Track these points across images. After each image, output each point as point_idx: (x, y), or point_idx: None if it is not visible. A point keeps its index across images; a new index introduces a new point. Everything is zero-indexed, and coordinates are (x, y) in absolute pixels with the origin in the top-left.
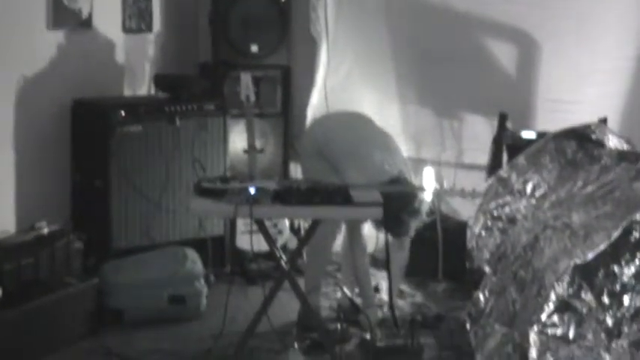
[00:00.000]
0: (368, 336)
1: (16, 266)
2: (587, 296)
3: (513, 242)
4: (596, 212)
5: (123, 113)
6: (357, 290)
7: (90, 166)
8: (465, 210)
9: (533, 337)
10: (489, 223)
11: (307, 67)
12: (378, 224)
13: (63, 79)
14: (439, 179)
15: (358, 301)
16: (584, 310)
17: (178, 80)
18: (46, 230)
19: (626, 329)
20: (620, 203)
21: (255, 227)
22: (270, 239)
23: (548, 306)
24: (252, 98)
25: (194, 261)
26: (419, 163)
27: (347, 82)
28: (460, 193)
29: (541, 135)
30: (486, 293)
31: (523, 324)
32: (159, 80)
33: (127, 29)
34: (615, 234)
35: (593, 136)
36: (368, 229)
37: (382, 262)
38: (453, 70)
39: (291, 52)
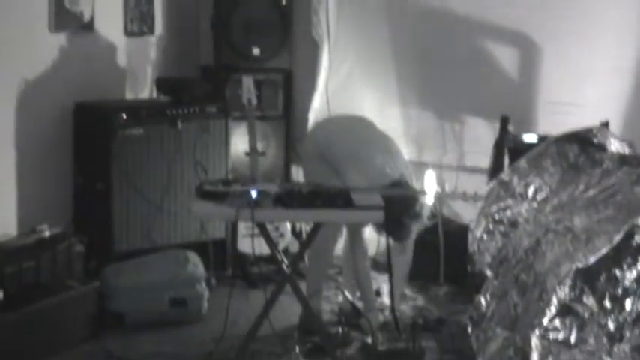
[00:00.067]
0: (369, 339)
1: (18, 269)
2: (589, 300)
3: (515, 246)
4: (598, 216)
5: (125, 116)
6: (358, 294)
7: (92, 169)
8: (466, 213)
9: (534, 341)
10: (491, 226)
11: (309, 71)
12: (380, 228)
13: (65, 82)
14: (441, 182)
15: (360, 304)
16: (586, 314)
17: (180, 83)
18: (47, 233)
19: (627, 333)
20: (621, 207)
21: (256, 230)
22: (271, 242)
23: (549, 310)
24: (254, 101)
25: (195, 264)
26: (420, 166)
27: (348, 82)
28: (462, 197)
29: (542, 138)
30: (488, 297)
31: (524, 328)
32: (161, 83)
33: (128, 32)
34: (617, 238)
35: (595, 140)
36: (369, 233)
37: (384, 265)
38: (454, 73)
39: (292, 56)
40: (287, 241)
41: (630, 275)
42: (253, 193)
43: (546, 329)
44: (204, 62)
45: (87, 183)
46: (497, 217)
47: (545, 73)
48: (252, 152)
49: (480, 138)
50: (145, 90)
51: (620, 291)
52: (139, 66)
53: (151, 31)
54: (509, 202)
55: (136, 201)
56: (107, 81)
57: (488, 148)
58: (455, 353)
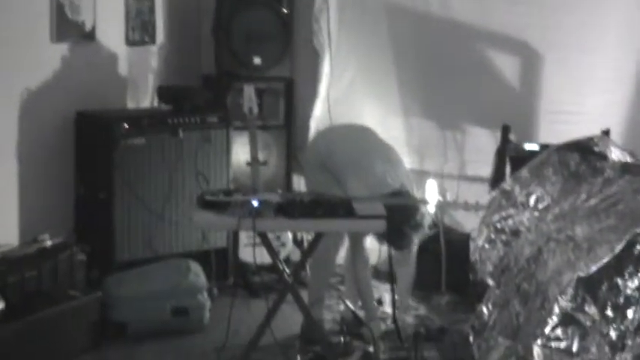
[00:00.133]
0: (371, 349)
1: (20, 279)
2: (591, 309)
3: (517, 255)
4: (600, 225)
5: (126, 125)
6: (360, 303)
7: (93, 179)
8: (468, 222)
9: (536, 350)
10: (492, 235)
11: (310, 79)
12: (380, 237)
13: (66, 91)
14: (442, 191)
15: (361, 313)
16: (588, 324)
17: (181, 92)
18: (49, 243)
19: (629, 342)
20: (623, 216)
21: (258, 239)
22: (273, 252)
23: (551, 319)
24: (255, 110)
25: (197, 273)
26: (422, 175)
27: (350, 91)
28: (463, 206)
29: (544, 147)
30: (490, 306)
31: (526, 337)
32: (162, 92)
33: (130, 41)
34: (619, 247)
35: (596, 149)
36: (370, 242)
37: (385, 274)
38: (456, 82)
39: (294, 64)
40: (288, 250)
41: (632, 284)
42: (255, 203)
43: (548, 338)
44: (206, 71)
45: (88, 192)
46: (498, 226)
47: (546, 82)
48: (254, 161)
49: (481, 147)
50: (146, 99)
51: (622, 300)
52: (140, 75)
53: (153, 40)
54: (511, 211)
55: (138, 210)
56: (109, 90)
57: (490, 157)
58: None
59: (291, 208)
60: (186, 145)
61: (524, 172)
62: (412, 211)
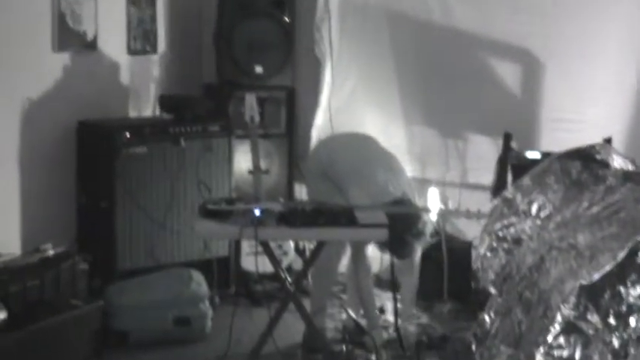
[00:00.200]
0: (373, 357)
1: (22, 288)
2: (594, 317)
3: (519, 263)
4: (602, 233)
5: (128, 135)
6: (362, 311)
7: (95, 188)
8: (470, 230)
9: (539, 358)
10: (494, 243)
11: (312, 88)
12: (382, 246)
13: (68, 100)
14: (444, 199)
15: (363, 322)
16: (591, 332)
17: (183, 101)
18: (51, 252)
19: (632, 350)
20: (625, 224)
21: (260, 248)
22: (275, 261)
23: (554, 327)
24: (257, 119)
25: (199, 282)
26: (424, 183)
27: (351, 100)
28: (465, 214)
29: (546, 155)
30: (492, 314)
31: (529, 345)
32: (164, 101)
33: (131, 51)
34: (621, 255)
35: (598, 157)
36: (372, 250)
37: (387, 282)
38: (457, 90)
39: (295, 73)
40: (290, 258)
41: (634, 292)
42: (257, 212)
43: (551, 347)
44: (207, 80)
45: (90, 201)
46: (500, 234)
47: (548, 90)
48: (256, 170)
49: (483, 155)
50: (148, 108)
51: (624, 308)
52: (142, 84)
53: (154, 49)
54: (513, 219)
55: (140, 219)
56: (110, 99)
57: (492, 165)
58: None
59: (293, 217)
60: (188, 153)
61: (526, 180)
62: (414, 219)
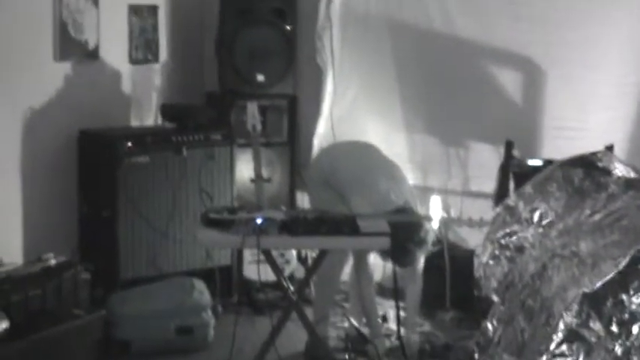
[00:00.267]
0: None
1: (24, 298)
2: (596, 325)
3: (521, 271)
4: (604, 241)
5: (130, 144)
6: (364, 320)
7: (97, 197)
8: (472, 238)
9: None
10: (497, 251)
11: (313, 96)
12: (384, 254)
13: (70, 110)
14: (446, 207)
15: (366, 330)
16: (593, 340)
17: (185, 110)
18: (53, 261)
19: (635, 358)
20: (627, 231)
21: (262, 257)
22: (277, 269)
23: (556, 335)
24: (259, 127)
25: (201, 291)
26: (425, 192)
27: (353, 108)
28: (467, 222)
29: (547, 163)
30: (494, 322)
31: (532, 353)
32: (165, 110)
33: (133, 60)
34: (623, 262)
35: (600, 164)
36: (374, 258)
37: (390, 291)
38: (459, 98)
39: (297, 81)
40: (293, 267)
41: (637, 300)
42: (259, 221)
43: (553, 355)
44: (209, 89)
45: (92, 211)
46: (503, 242)
47: (549, 98)
48: (258, 179)
49: (484, 163)
50: (149, 117)
51: (627, 316)
52: (143, 93)
53: (156, 58)
54: (515, 227)
55: (142, 228)
56: (112, 108)
57: (493, 173)
58: None
59: (295, 226)
60: (189, 162)
61: (528, 188)
62: (416, 227)
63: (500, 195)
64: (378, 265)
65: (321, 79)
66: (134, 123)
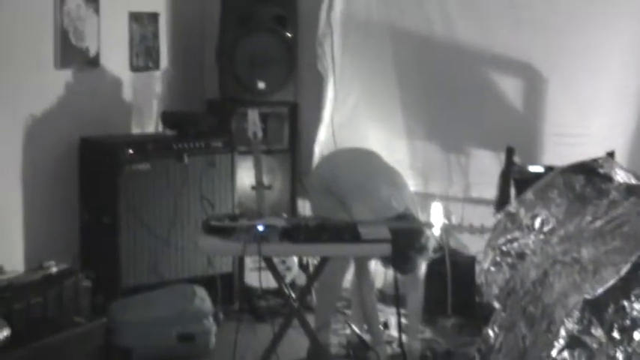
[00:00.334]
0: None
1: (25, 305)
2: (598, 332)
3: (522, 277)
4: (605, 247)
5: (131, 151)
6: (366, 327)
7: (98, 204)
8: (473, 245)
9: None
10: (498, 258)
11: (314, 103)
12: (385, 261)
13: (71, 117)
14: (447, 214)
15: (367, 337)
16: (595, 346)
17: (186, 117)
18: (54, 269)
19: None
20: (629, 238)
21: (263, 264)
22: (278, 276)
23: (558, 342)
24: (260, 135)
25: (203, 298)
26: (427, 198)
27: (354, 115)
28: (469, 229)
29: (548, 169)
30: (496, 329)
31: None
32: (166, 117)
33: (134, 67)
34: (625, 269)
35: (601, 170)
36: (375, 265)
37: (391, 297)
38: (460, 105)
39: (298, 88)
40: (294, 274)
41: (638, 306)
42: (260, 228)
43: None
44: (210, 96)
45: (93, 218)
46: (504, 248)
47: (550, 104)
48: (259, 186)
49: (485, 169)
50: (150, 124)
51: (628, 322)
52: (144, 101)
53: (157, 65)
54: (517, 233)
55: (143, 236)
56: (113, 116)
57: (494, 180)
58: None
59: (297, 233)
60: (190, 170)
61: (529, 195)
62: (417, 234)
63: (502, 201)
64: (380, 272)
65: (322, 85)
66: (135, 130)
